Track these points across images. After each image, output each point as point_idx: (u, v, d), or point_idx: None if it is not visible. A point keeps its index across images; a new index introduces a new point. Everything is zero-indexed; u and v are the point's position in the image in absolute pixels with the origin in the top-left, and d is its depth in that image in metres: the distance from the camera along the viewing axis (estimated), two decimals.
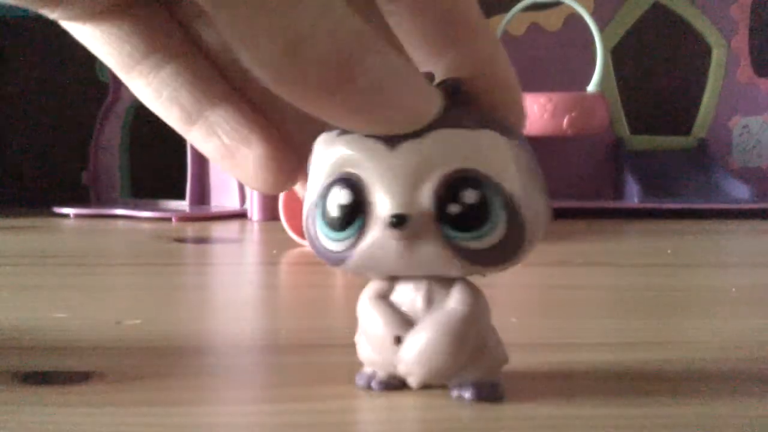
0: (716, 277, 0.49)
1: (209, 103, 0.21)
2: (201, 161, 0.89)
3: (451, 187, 0.19)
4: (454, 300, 0.21)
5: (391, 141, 0.19)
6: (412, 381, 0.21)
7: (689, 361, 0.27)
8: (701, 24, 1.00)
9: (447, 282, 0.21)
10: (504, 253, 0.20)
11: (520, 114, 0.22)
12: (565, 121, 0.83)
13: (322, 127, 0.21)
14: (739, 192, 0.92)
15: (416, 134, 0.19)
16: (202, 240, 0.69)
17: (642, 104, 1.02)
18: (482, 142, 0.20)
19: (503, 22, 0.92)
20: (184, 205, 0.89)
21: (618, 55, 1.00)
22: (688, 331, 0.32)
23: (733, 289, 0.43)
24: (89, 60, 0.98)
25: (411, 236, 0.19)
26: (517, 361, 0.26)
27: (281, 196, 0.60)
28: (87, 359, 0.26)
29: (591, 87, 0.87)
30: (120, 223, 0.82)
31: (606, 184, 0.99)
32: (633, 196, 0.92)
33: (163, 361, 0.26)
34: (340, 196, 0.20)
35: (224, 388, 0.24)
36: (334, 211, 0.20)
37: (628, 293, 0.42)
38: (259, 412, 0.21)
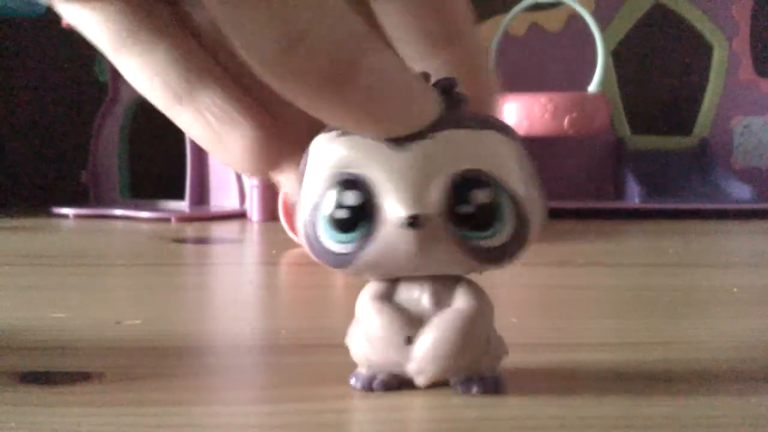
0: (717, 277, 0.49)
1: (198, 85, 0.21)
2: (201, 161, 0.89)
3: (461, 187, 0.20)
4: (462, 299, 0.21)
5: (397, 141, 0.19)
6: (423, 379, 0.21)
7: (689, 361, 0.27)
8: (702, 24, 1.00)
9: (450, 281, 0.21)
10: (510, 251, 0.20)
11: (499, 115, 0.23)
12: (566, 121, 0.83)
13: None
14: (741, 192, 0.92)
15: (422, 134, 0.19)
16: (201, 240, 0.69)
17: (643, 104, 1.02)
18: (487, 142, 0.20)
19: (504, 22, 0.91)
20: (183, 205, 0.89)
21: (619, 55, 1.00)
22: (688, 331, 0.32)
23: (734, 289, 0.43)
24: (88, 60, 0.99)
25: (424, 237, 0.19)
26: (518, 361, 0.26)
27: (281, 196, 0.60)
28: (86, 359, 0.26)
29: (592, 87, 0.87)
30: (119, 223, 0.82)
31: (607, 185, 0.99)
32: (634, 196, 0.92)
33: (162, 361, 0.26)
34: (346, 197, 0.20)
35: (224, 388, 0.24)
36: (339, 213, 0.20)
37: (628, 293, 0.42)
38: (259, 413, 0.21)
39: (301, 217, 0.21)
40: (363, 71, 0.18)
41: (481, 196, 0.20)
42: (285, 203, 0.59)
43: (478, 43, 0.22)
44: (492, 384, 0.22)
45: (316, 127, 0.21)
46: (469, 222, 0.20)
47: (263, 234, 0.73)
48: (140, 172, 0.97)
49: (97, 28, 0.20)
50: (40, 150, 1.06)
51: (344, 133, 0.20)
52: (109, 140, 0.95)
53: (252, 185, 0.83)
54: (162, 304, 0.38)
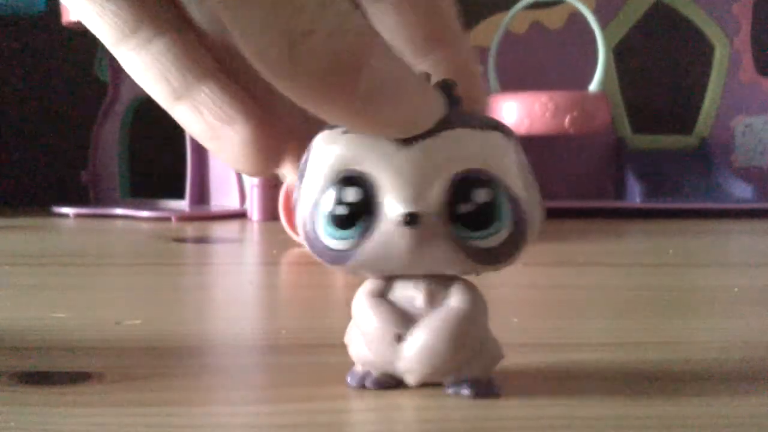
0: (718, 277, 0.49)
1: (196, 81, 0.21)
2: (201, 161, 0.89)
3: (462, 186, 0.20)
4: (456, 299, 0.21)
5: (398, 139, 0.20)
6: (412, 378, 0.21)
7: (689, 361, 0.27)
8: (703, 23, 1.00)
9: (446, 281, 0.21)
10: (508, 252, 0.20)
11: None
12: (567, 120, 0.83)
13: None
14: (742, 192, 0.92)
15: (424, 133, 0.20)
16: (201, 240, 0.69)
17: (644, 103, 1.02)
18: (489, 142, 0.20)
19: (505, 20, 0.91)
20: (183, 204, 0.89)
21: (620, 54, 1.00)
22: (688, 331, 0.32)
23: (735, 289, 0.43)
24: (89, 60, 0.99)
25: (422, 235, 0.19)
26: (518, 361, 0.26)
27: (281, 197, 0.60)
28: (86, 359, 0.26)
29: (593, 86, 0.87)
30: (119, 222, 0.82)
31: (607, 184, 0.99)
32: (635, 195, 0.92)
33: (162, 361, 0.26)
34: (347, 194, 0.20)
35: (224, 388, 0.24)
36: (339, 209, 0.20)
37: (629, 293, 0.42)
38: (259, 413, 0.21)
39: (301, 214, 0.21)
40: (367, 72, 0.17)
41: (480, 195, 0.20)
42: (285, 202, 0.59)
43: (467, 47, 0.22)
44: (484, 387, 0.22)
45: (314, 123, 0.21)
46: (468, 221, 0.20)
47: (263, 234, 0.73)
48: (140, 172, 0.97)
49: (99, 20, 0.20)
50: (41, 149, 1.06)
51: (347, 131, 0.20)
52: (110, 140, 0.95)
53: (252, 185, 0.83)
54: (162, 303, 0.38)
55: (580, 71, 0.92)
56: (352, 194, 0.20)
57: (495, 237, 0.20)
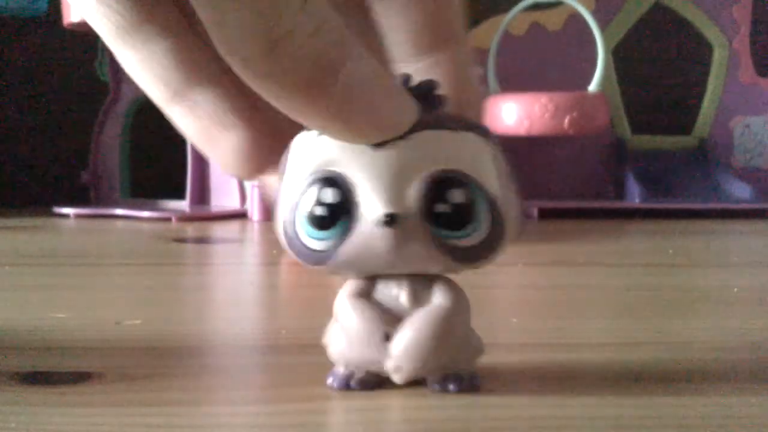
0: (718, 277, 0.50)
1: (195, 83, 0.21)
2: (201, 161, 0.89)
3: (438, 186, 0.20)
4: (439, 297, 0.21)
5: None
6: (399, 376, 0.21)
7: (689, 361, 0.27)
8: (703, 24, 1.00)
9: (428, 279, 0.22)
10: (486, 251, 0.21)
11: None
12: (566, 121, 0.83)
13: None
14: (741, 192, 0.92)
15: (402, 134, 0.20)
16: (202, 240, 0.69)
17: (643, 104, 1.02)
18: (465, 143, 0.20)
19: (504, 21, 0.91)
20: (184, 205, 0.89)
21: (619, 55, 1.00)
22: (688, 331, 0.32)
23: (735, 289, 0.43)
24: (89, 60, 0.99)
25: (400, 235, 0.20)
26: (518, 360, 0.26)
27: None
28: (86, 359, 0.26)
29: (592, 87, 0.87)
30: (120, 223, 0.82)
31: (607, 184, 0.99)
32: (634, 196, 0.92)
33: (162, 362, 0.26)
34: (325, 195, 0.20)
35: (224, 388, 0.24)
36: (318, 210, 0.20)
37: (629, 293, 0.43)
38: (259, 413, 0.21)
39: (281, 215, 0.21)
40: (343, 77, 0.18)
41: (457, 195, 0.20)
42: None
43: (467, 50, 0.22)
44: (469, 382, 0.22)
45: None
46: (445, 221, 0.20)
47: (264, 234, 0.73)
48: (141, 172, 0.97)
49: (101, 17, 0.20)
50: (41, 150, 1.06)
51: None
52: (110, 140, 0.95)
53: (252, 185, 0.83)
54: (162, 304, 0.38)
55: (580, 72, 0.92)
56: (330, 195, 0.20)
57: (473, 236, 0.20)
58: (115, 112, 0.95)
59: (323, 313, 0.36)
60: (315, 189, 0.20)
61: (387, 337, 0.21)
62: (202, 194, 0.91)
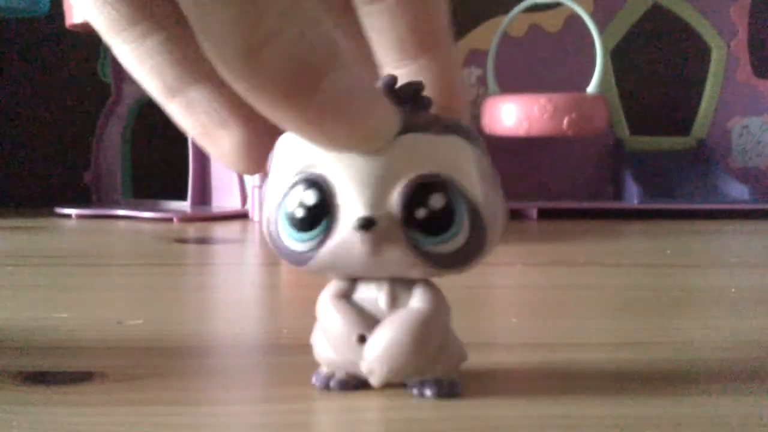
0: (716, 277, 0.50)
1: (191, 80, 0.21)
2: (203, 162, 0.89)
3: (418, 191, 0.20)
4: (417, 300, 0.21)
5: None
6: (375, 379, 0.21)
7: (689, 361, 0.27)
8: (701, 25, 1.00)
9: (409, 281, 0.21)
10: (466, 257, 0.20)
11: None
12: (565, 122, 0.83)
13: None
14: (739, 192, 0.92)
15: None
16: (203, 240, 0.69)
17: (642, 105, 1.02)
18: (448, 147, 0.20)
19: (504, 23, 0.92)
20: (185, 205, 0.89)
21: (618, 56, 1.00)
22: (687, 331, 0.32)
23: (733, 289, 0.43)
24: (91, 60, 0.99)
25: (378, 240, 0.20)
26: (517, 360, 0.26)
27: None
28: (88, 359, 0.26)
29: (591, 88, 0.87)
30: (122, 223, 0.82)
31: (606, 185, 0.99)
32: (633, 196, 0.92)
33: (164, 361, 0.26)
34: (306, 197, 0.20)
35: (225, 387, 0.24)
36: (299, 212, 0.20)
37: (627, 293, 0.43)
38: (261, 412, 0.22)
39: (265, 215, 0.21)
40: (326, 84, 0.17)
41: (436, 201, 0.20)
42: None
43: (453, 55, 0.22)
44: (447, 388, 0.22)
45: None
46: (423, 226, 0.20)
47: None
48: (142, 173, 0.97)
49: (99, 13, 0.20)
50: (43, 150, 1.06)
51: None
52: (112, 141, 0.95)
53: (254, 186, 0.84)
54: (164, 304, 0.39)
55: (578, 73, 0.92)
56: (310, 196, 0.20)
57: (451, 242, 0.20)
58: (117, 113, 0.95)
59: None
60: (297, 190, 0.20)
61: (362, 339, 0.21)
62: (203, 195, 0.91)
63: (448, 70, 0.22)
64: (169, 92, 0.21)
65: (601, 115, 0.86)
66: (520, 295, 0.43)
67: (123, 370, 0.25)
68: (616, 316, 0.36)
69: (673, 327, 0.33)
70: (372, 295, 0.21)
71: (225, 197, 0.91)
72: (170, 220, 0.83)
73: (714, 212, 0.90)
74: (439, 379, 0.22)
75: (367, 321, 0.21)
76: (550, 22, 0.99)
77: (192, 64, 0.21)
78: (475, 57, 0.97)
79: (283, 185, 0.21)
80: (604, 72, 0.89)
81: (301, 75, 0.17)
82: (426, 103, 0.21)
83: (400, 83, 0.20)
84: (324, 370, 0.23)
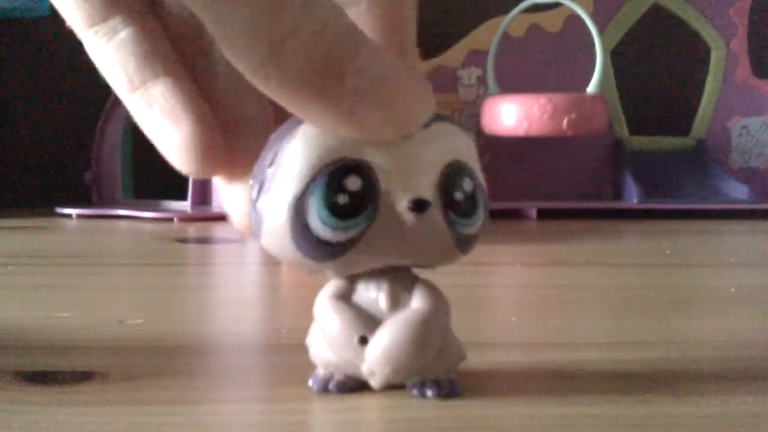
0: (715, 277, 0.50)
1: (153, 74, 0.21)
2: None
3: (452, 175, 0.20)
4: (418, 300, 0.21)
5: None
6: (375, 381, 0.21)
7: (689, 361, 0.27)
8: (700, 25, 1.00)
9: (408, 282, 0.21)
10: (477, 238, 0.21)
11: (412, 55, 0.23)
12: (565, 122, 0.83)
13: (263, 113, 0.22)
14: (738, 192, 0.92)
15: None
16: (203, 240, 0.69)
17: (641, 105, 1.02)
18: (460, 135, 0.21)
19: (504, 23, 0.92)
20: (186, 205, 0.89)
21: (617, 56, 1.00)
22: (685, 331, 0.32)
23: (732, 289, 0.43)
24: (92, 60, 0.99)
25: (427, 222, 0.20)
26: (517, 360, 0.26)
27: None
28: (89, 359, 0.26)
29: (590, 88, 0.87)
30: (122, 223, 0.82)
31: (605, 185, 0.99)
32: (632, 196, 0.92)
33: (165, 361, 0.26)
34: (352, 182, 0.19)
35: (226, 387, 0.24)
36: (343, 198, 0.19)
37: (627, 293, 0.43)
38: (261, 412, 0.22)
39: (273, 211, 0.20)
40: (353, 73, 0.17)
41: (467, 185, 0.20)
42: None
43: (418, 62, 0.22)
44: (447, 388, 0.22)
45: (268, 133, 0.21)
46: (460, 209, 0.20)
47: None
48: (143, 173, 0.97)
49: (75, 6, 0.20)
50: (44, 150, 1.06)
51: None
52: (113, 141, 0.95)
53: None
54: (165, 303, 0.39)
55: (578, 74, 0.92)
56: (354, 182, 0.19)
57: (477, 224, 0.21)
58: (118, 113, 0.95)
59: None
60: (335, 177, 0.19)
61: (363, 341, 0.21)
62: (203, 195, 0.91)
63: (391, 12, 0.21)
64: (131, 86, 0.21)
65: (600, 115, 0.86)
66: (519, 294, 0.43)
67: (123, 369, 0.25)
68: (615, 316, 0.36)
69: (672, 327, 0.33)
70: (372, 295, 0.21)
71: None
72: (171, 219, 0.83)
73: (713, 212, 0.90)
74: (440, 380, 0.22)
75: (368, 322, 0.21)
76: (550, 22, 0.99)
77: (156, 59, 0.21)
78: (475, 57, 0.97)
79: (315, 174, 0.19)
80: (604, 72, 0.89)
81: (326, 66, 0.17)
82: None
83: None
84: (321, 372, 0.22)
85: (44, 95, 1.06)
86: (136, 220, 0.83)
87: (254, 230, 0.21)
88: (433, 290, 0.21)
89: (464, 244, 0.21)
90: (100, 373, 0.24)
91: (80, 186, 0.96)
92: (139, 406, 0.21)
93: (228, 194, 0.23)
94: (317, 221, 0.19)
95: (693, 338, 0.31)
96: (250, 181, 0.21)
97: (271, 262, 0.55)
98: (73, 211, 0.88)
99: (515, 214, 0.89)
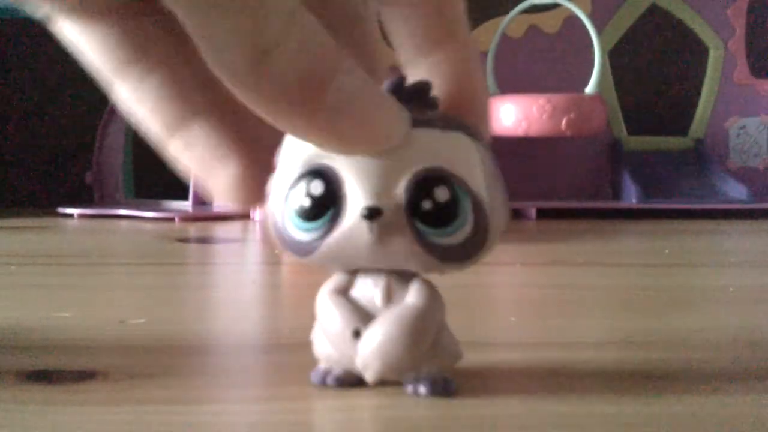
0: (714, 276, 0.50)
1: (190, 116, 0.21)
2: None
3: (424, 184, 0.20)
4: (412, 296, 0.21)
5: None
6: (369, 375, 0.21)
7: (686, 360, 0.27)
8: (698, 26, 1.00)
9: (405, 278, 0.22)
10: (469, 251, 0.21)
11: (487, 121, 0.23)
12: (564, 122, 0.83)
13: None
14: (736, 192, 0.92)
15: None
16: (204, 240, 0.69)
17: (639, 105, 1.02)
18: (452, 143, 0.20)
19: (503, 24, 0.92)
20: (186, 205, 0.89)
21: (616, 56, 1.00)
22: (684, 331, 0.32)
23: (731, 289, 0.43)
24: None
25: (383, 229, 0.20)
26: (515, 359, 0.26)
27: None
28: (91, 358, 0.26)
29: (589, 88, 0.87)
30: (123, 223, 0.82)
31: (604, 185, 0.99)
32: (631, 196, 0.92)
33: (166, 360, 0.26)
34: (313, 187, 0.20)
35: (227, 386, 0.24)
36: (305, 201, 0.20)
37: (626, 293, 0.43)
38: (261, 411, 0.22)
39: (272, 207, 0.21)
40: (333, 88, 0.17)
41: (441, 194, 0.20)
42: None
43: (473, 48, 0.22)
44: (442, 385, 0.22)
45: None
46: (429, 218, 0.20)
47: (265, 233, 0.73)
48: (144, 173, 0.97)
49: (96, 51, 0.20)
50: (46, 150, 1.06)
51: None
52: (114, 141, 0.95)
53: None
54: (166, 303, 0.39)
55: (577, 74, 0.93)
56: (317, 186, 0.20)
57: (455, 235, 0.20)
58: (119, 113, 0.95)
59: None
60: (304, 181, 0.20)
61: (357, 334, 0.21)
62: (204, 194, 0.91)
63: (465, 62, 0.22)
64: (169, 130, 0.21)
65: (599, 115, 0.86)
66: (518, 294, 0.43)
67: (125, 369, 0.25)
68: (614, 316, 0.36)
69: (671, 326, 0.33)
70: (369, 291, 0.22)
71: None
72: (172, 219, 0.83)
73: (712, 212, 0.90)
74: (434, 377, 0.22)
75: (363, 316, 0.21)
76: (549, 23, 0.99)
77: (191, 98, 0.21)
78: (479, 57, 0.97)
79: (290, 177, 0.21)
80: (602, 72, 0.89)
81: (308, 80, 0.17)
82: (432, 102, 0.21)
83: (415, 81, 0.21)
84: (322, 366, 0.23)
85: (46, 95, 1.06)
86: (138, 220, 0.83)
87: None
88: (428, 287, 0.22)
89: (445, 253, 0.20)
90: (101, 373, 0.24)
91: (82, 186, 0.96)
92: (140, 406, 0.21)
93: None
94: (288, 221, 0.21)
95: (692, 338, 0.31)
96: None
97: (271, 262, 0.55)
98: (74, 211, 0.88)
99: (515, 214, 0.89)
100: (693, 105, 1.02)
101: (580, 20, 0.89)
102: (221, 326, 0.34)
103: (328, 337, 0.22)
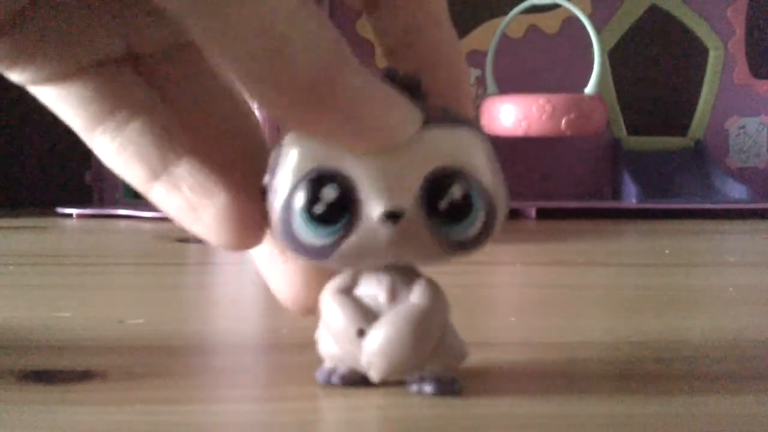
0: (714, 276, 0.50)
1: (174, 157, 0.20)
2: None
3: (439, 183, 0.20)
4: (416, 295, 0.21)
5: None
6: (374, 374, 0.21)
7: (686, 360, 0.27)
8: (698, 26, 1.00)
9: (409, 277, 0.22)
10: (479, 241, 0.21)
11: (470, 106, 0.23)
12: (564, 122, 0.83)
13: None
14: (736, 192, 0.93)
15: None
16: (204, 240, 0.68)
17: (639, 105, 1.02)
18: (462, 139, 0.21)
19: (502, 24, 0.92)
20: None
21: (615, 57, 1.00)
22: (684, 331, 0.32)
23: (731, 289, 0.43)
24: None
25: (402, 231, 0.20)
26: (516, 359, 0.26)
27: None
28: (90, 358, 0.26)
29: (589, 89, 0.87)
30: (123, 222, 0.82)
31: (604, 185, 0.99)
32: (631, 196, 0.92)
33: (165, 360, 0.26)
34: (327, 191, 0.20)
35: (226, 386, 0.24)
36: (319, 207, 0.20)
37: (626, 293, 0.43)
38: (261, 411, 0.22)
39: (275, 212, 0.21)
40: (342, 87, 0.18)
41: (456, 192, 0.20)
42: None
43: (453, 36, 0.22)
44: (447, 385, 0.22)
45: None
46: (445, 216, 0.20)
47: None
48: None
49: (72, 109, 0.20)
50: (44, 150, 1.06)
51: None
52: None
53: None
54: (165, 303, 0.39)
55: (577, 74, 0.93)
56: (331, 192, 0.20)
57: (471, 229, 0.20)
58: None
59: None
60: (313, 186, 0.20)
61: (361, 333, 0.21)
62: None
63: (444, 54, 0.22)
64: (152, 174, 0.20)
65: (599, 115, 0.86)
66: (518, 294, 0.43)
67: (124, 369, 0.25)
68: (614, 316, 0.36)
69: (670, 326, 0.33)
70: (373, 289, 0.22)
71: None
72: (171, 219, 0.83)
73: (712, 212, 0.90)
74: (439, 376, 0.22)
75: (367, 315, 0.21)
76: (549, 23, 0.99)
77: (172, 140, 0.21)
78: (474, 58, 0.97)
79: (298, 182, 0.20)
80: (602, 72, 0.89)
81: (317, 79, 0.17)
82: (424, 94, 0.21)
83: (405, 73, 0.21)
84: (327, 365, 0.23)
85: None
86: (137, 220, 0.83)
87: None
88: (432, 287, 0.22)
89: (458, 246, 0.21)
90: (100, 373, 0.24)
91: (81, 186, 0.96)
92: (140, 406, 0.21)
93: (273, 271, 0.24)
94: (299, 227, 0.20)
95: (691, 338, 0.31)
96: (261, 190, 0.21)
97: None
98: (73, 211, 0.88)
99: (514, 214, 0.89)
100: (693, 105, 1.02)
101: (579, 20, 0.89)
102: (220, 326, 0.34)
103: (333, 335, 0.22)
